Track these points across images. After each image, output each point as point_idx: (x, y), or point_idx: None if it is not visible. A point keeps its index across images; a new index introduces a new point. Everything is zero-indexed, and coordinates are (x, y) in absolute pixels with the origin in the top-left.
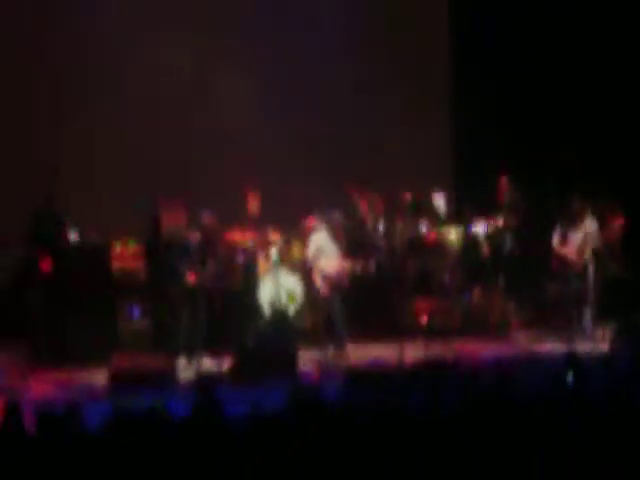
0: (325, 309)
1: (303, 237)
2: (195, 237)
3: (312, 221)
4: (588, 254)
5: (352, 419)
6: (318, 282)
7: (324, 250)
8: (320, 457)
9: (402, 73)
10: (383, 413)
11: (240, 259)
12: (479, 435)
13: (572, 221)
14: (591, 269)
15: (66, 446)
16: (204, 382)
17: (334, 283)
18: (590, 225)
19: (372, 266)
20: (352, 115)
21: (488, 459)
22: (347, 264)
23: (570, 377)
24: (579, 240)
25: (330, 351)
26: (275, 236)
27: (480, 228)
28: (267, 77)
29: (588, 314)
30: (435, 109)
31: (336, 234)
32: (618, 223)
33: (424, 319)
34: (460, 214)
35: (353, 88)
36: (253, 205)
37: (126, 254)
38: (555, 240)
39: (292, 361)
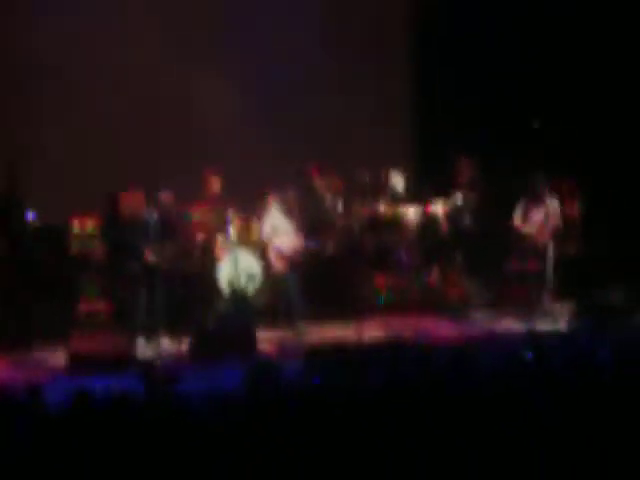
0: (282, 288)
1: (260, 216)
2: (153, 216)
3: (269, 200)
4: (548, 232)
5: (312, 397)
6: (273, 260)
7: (278, 228)
8: (279, 435)
9: (361, 54)
10: (343, 391)
11: (198, 239)
12: (437, 412)
13: (534, 200)
14: (551, 248)
15: (28, 428)
16: (145, 367)
17: (289, 261)
18: (551, 204)
19: (330, 244)
20: (312, 95)
21: (448, 437)
22: (300, 242)
23: (529, 355)
24: (540, 219)
25: (289, 330)
26: (233, 215)
27: (439, 206)
28: (228, 61)
29: (547, 293)
30: (395, 89)
31: (291, 212)
32: (576, 202)
33: (381, 295)
34: (419, 192)
35: (314, 70)
36: (213, 186)
37: (85, 234)
38: (516, 219)
39: (251, 341)
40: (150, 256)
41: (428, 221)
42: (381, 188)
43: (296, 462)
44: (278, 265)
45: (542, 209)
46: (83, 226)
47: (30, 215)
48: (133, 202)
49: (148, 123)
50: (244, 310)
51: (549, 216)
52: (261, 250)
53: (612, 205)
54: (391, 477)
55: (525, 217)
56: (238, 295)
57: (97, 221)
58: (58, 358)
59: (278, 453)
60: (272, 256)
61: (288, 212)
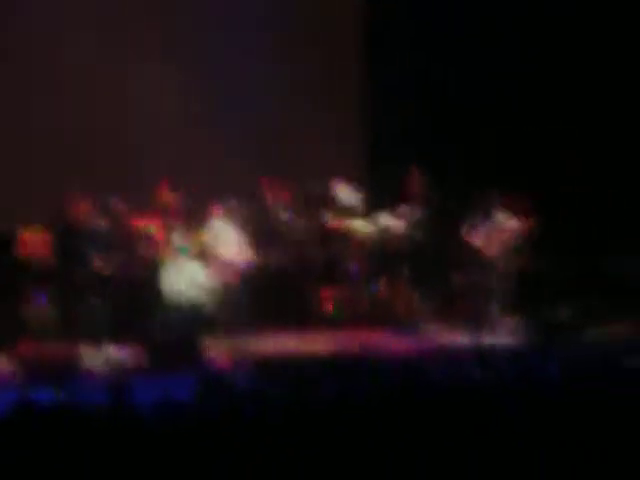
0: (227, 297)
1: (207, 224)
2: (103, 224)
3: (216, 209)
4: (497, 247)
5: (262, 407)
6: (215, 271)
7: (222, 238)
8: (230, 444)
9: (312, 64)
10: (293, 401)
11: (146, 247)
12: (389, 427)
13: (484, 214)
14: (500, 262)
15: None
16: (117, 373)
17: (232, 272)
18: (501, 219)
19: (278, 256)
20: (261, 106)
21: (399, 451)
22: (247, 253)
23: (477, 370)
24: (490, 233)
25: (237, 340)
26: (181, 225)
27: (388, 218)
28: (177, 69)
29: (495, 307)
30: (346, 99)
31: (235, 222)
32: (527, 218)
33: (329, 308)
34: (368, 205)
35: (265, 78)
36: (164, 194)
37: (33, 240)
38: (466, 231)
39: (198, 351)
40: (99, 264)
41: (377, 234)
42: (330, 200)
43: (250, 471)
44: (221, 275)
45: (492, 223)
46: (32, 232)
47: None
48: (82, 209)
49: (97, 128)
50: (191, 319)
51: (498, 230)
52: (207, 260)
53: (562, 221)
54: None
55: (474, 230)
56: (185, 304)
57: (46, 228)
58: (3, 364)
59: (231, 463)
60: (214, 266)
61: (233, 223)
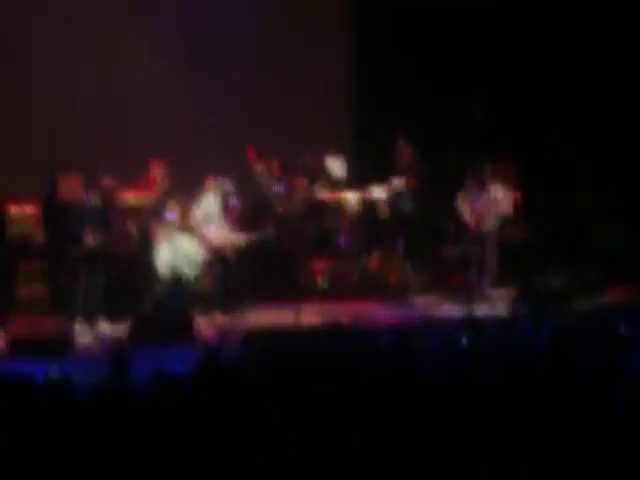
0: (217, 271)
1: (197, 199)
2: (94, 199)
3: (206, 185)
4: (490, 218)
5: (251, 381)
6: (202, 247)
7: (210, 216)
8: (222, 418)
9: (299, 35)
10: (282, 374)
11: (138, 223)
12: (379, 396)
13: (478, 185)
14: (491, 232)
15: None
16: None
17: (215, 250)
18: (494, 189)
19: (270, 230)
20: (249, 79)
21: (387, 420)
22: (233, 235)
23: (465, 340)
24: (483, 204)
25: (228, 314)
26: (173, 200)
27: (378, 191)
28: (165, 44)
29: (487, 277)
30: (334, 73)
31: (225, 202)
32: (516, 187)
33: (321, 280)
34: (358, 177)
35: (250, 52)
36: (155, 172)
37: (23, 216)
38: (461, 203)
39: (190, 326)
40: (89, 240)
41: (368, 206)
42: (320, 172)
43: (243, 445)
44: (205, 252)
45: (485, 194)
46: (21, 210)
47: None
48: (72, 185)
49: (86, 105)
50: (182, 294)
51: (491, 201)
52: (196, 234)
53: (551, 190)
54: (332, 459)
55: (468, 201)
56: (176, 279)
57: (36, 204)
58: None
59: (225, 436)
60: (201, 243)
61: (222, 201)
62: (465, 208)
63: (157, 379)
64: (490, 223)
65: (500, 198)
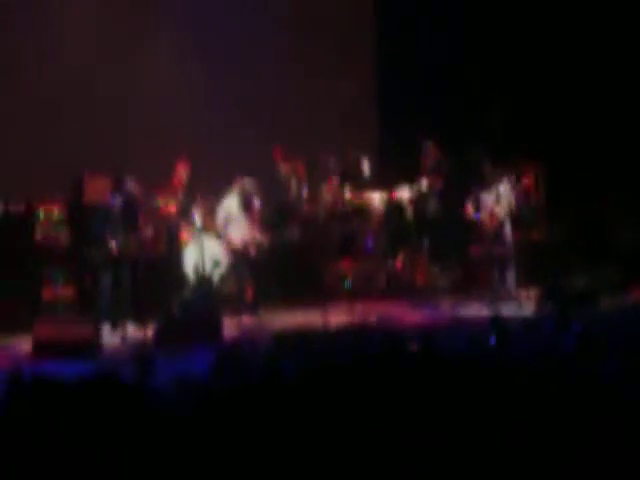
0: (243, 273)
1: (222, 202)
2: (119, 203)
3: (233, 186)
4: (501, 217)
5: (279, 382)
6: (225, 248)
7: (233, 217)
8: (246, 420)
9: (327, 36)
10: (309, 375)
11: (164, 225)
12: (406, 396)
13: (483, 186)
14: (507, 231)
15: None
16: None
17: (238, 251)
18: (502, 188)
19: (296, 231)
20: (277, 80)
21: (413, 419)
22: (256, 235)
23: (493, 340)
24: (491, 203)
25: (254, 316)
26: (198, 201)
27: (404, 192)
28: (195, 47)
29: (511, 277)
30: (360, 73)
31: (247, 202)
32: (540, 188)
33: (348, 282)
34: (384, 178)
35: (280, 54)
36: (181, 173)
37: (50, 220)
38: (468, 206)
39: (217, 327)
40: (115, 242)
41: (394, 207)
42: (346, 174)
43: (267, 447)
44: (228, 254)
45: (492, 194)
46: (48, 212)
47: None
48: (98, 188)
49: (112, 108)
50: (209, 296)
51: (500, 199)
52: (221, 237)
53: (575, 191)
54: (358, 458)
55: (477, 203)
56: (203, 281)
57: (62, 207)
58: (23, 345)
59: (248, 438)
60: (224, 244)
61: (245, 202)
62: (475, 210)
63: (182, 381)
64: (501, 221)
65: (509, 194)
